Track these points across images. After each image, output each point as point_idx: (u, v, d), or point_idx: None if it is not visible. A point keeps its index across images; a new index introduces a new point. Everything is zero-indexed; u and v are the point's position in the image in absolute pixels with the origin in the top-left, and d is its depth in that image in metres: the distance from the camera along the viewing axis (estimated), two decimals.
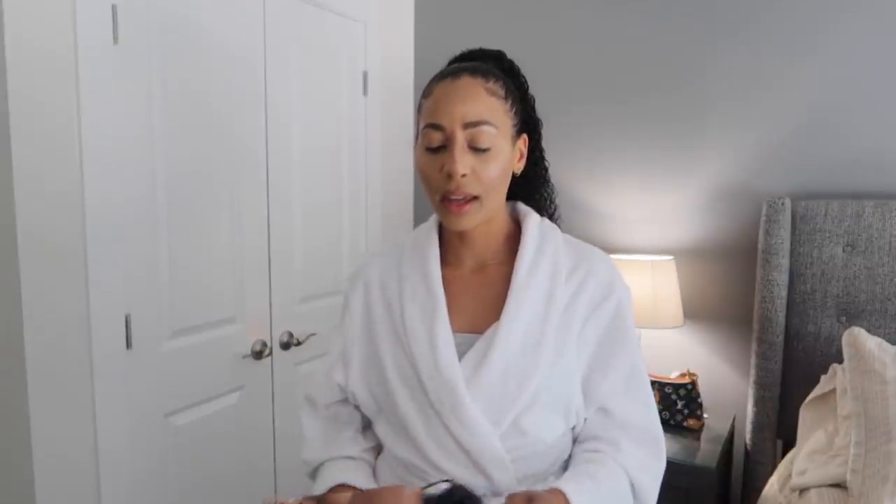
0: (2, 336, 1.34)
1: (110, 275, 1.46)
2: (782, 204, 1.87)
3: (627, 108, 2.19)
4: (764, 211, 1.90)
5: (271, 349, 1.90)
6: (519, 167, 1.02)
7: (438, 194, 0.95)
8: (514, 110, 0.97)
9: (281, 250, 1.93)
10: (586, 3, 2.22)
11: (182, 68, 1.60)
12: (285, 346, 1.94)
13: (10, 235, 1.30)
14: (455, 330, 0.97)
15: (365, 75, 2.21)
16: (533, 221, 1.03)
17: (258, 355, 1.83)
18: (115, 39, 1.44)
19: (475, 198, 0.94)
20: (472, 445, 0.92)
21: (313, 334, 2.00)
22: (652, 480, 0.98)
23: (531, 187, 1.09)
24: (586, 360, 0.98)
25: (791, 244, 1.88)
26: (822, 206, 1.85)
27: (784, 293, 1.88)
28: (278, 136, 1.89)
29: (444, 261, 1.04)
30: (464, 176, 0.91)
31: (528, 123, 1.03)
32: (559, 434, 0.98)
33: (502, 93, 0.96)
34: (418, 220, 2.55)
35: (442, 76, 0.97)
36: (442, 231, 1.06)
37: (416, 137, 0.99)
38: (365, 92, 2.22)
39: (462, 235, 1.02)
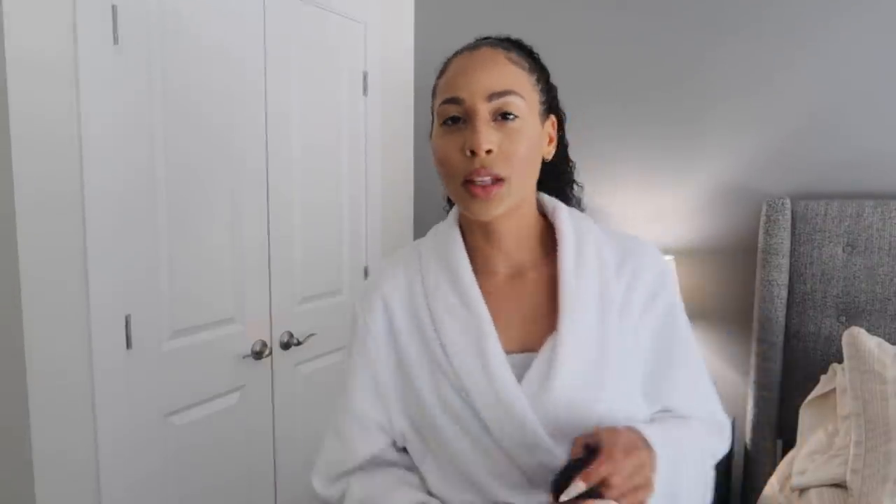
0: (2, 336, 1.34)
1: (110, 275, 1.46)
2: (782, 204, 1.87)
3: (627, 108, 2.19)
4: (764, 211, 1.90)
5: (271, 349, 1.90)
6: (549, 151, 0.90)
7: (460, 178, 0.81)
8: (540, 87, 0.86)
9: (281, 250, 1.93)
10: (587, 4, 2.22)
11: (182, 68, 1.60)
12: (285, 346, 1.94)
13: (10, 235, 1.30)
14: (504, 350, 0.85)
15: (365, 75, 2.21)
16: (564, 213, 0.92)
17: (258, 355, 1.83)
18: (116, 40, 1.44)
19: (501, 180, 0.81)
20: (539, 474, 0.83)
21: (313, 334, 2.00)
22: (715, 462, 0.93)
23: (557, 183, 0.97)
24: (645, 359, 0.89)
25: (791, 244, 1.88)
26: (822, 206, 1.85)
27: (784, 293, 1.88)
28: (278, 137, 1.89)
29: (473, 268, 0.90)
30: (489, 152, 0.79)
31: (554, 109, 0.92)
32: None
33: (527, 65, 0.85)
34: (418, 220, 2.55)
35: (459, 51, 0.87)
36: (465, 234, 0.93)
37: (432, 125, 0.88)
38: (365, 92, 2.22)
39: (490, 236, 0.90)
